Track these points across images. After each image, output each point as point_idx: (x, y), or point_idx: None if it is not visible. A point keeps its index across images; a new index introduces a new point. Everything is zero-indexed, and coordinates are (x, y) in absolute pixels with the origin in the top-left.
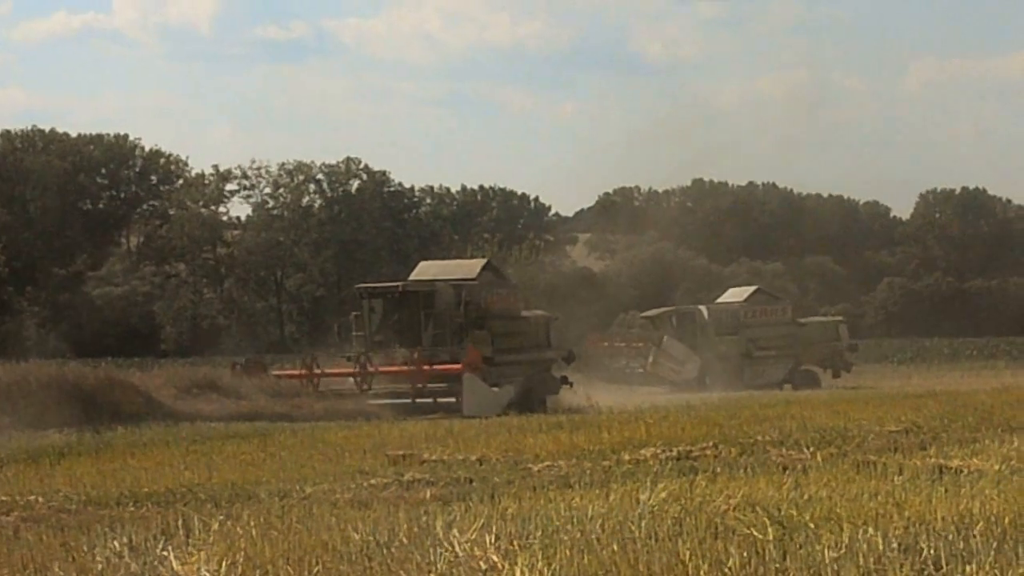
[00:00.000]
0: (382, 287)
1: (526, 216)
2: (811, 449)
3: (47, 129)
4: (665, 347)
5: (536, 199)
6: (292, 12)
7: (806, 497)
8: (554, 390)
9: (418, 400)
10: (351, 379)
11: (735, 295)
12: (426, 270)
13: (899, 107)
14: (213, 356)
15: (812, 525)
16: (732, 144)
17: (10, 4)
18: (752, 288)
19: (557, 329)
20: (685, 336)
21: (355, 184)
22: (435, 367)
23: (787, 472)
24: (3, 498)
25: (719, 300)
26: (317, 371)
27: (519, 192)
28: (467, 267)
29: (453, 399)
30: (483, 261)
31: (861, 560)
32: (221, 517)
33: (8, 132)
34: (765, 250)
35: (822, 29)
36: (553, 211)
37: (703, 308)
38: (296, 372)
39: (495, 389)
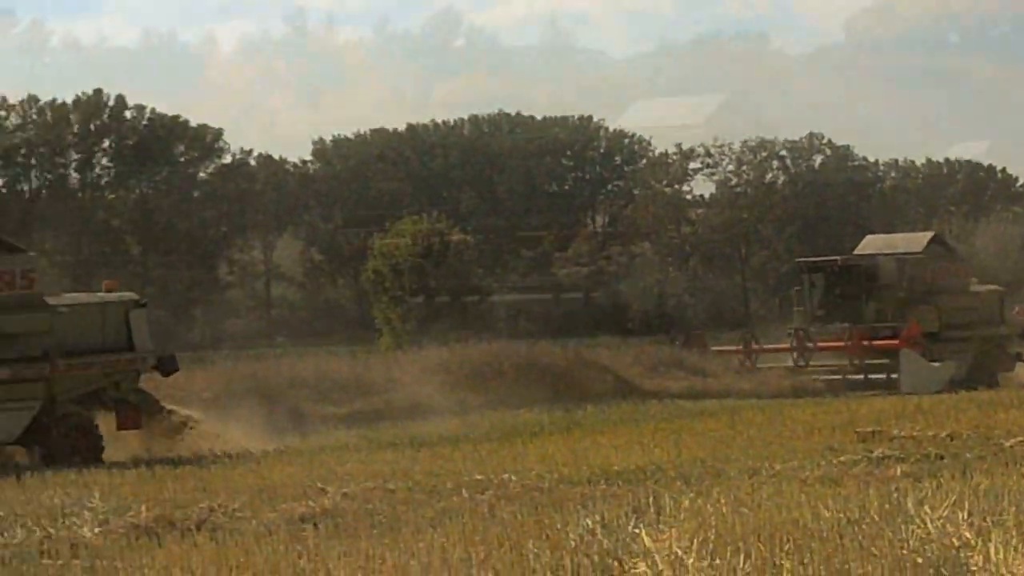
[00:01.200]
0: (822, 261)
1: (993, 188)
2: None
3: (513, 112)
4: None
5: (1003, 170)
6: None
7: None
8: (1007, 367)
9: (857, 376)
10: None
11: None
12: (871, 244)
13: None
14: (679, 334)
15: None
16: None
17: None
18: None
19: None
20: None
21: (818, 160)
22: (873, 342)
23: None
24: (478, 477)
25: None
26: (755, 347)
27: (985, 164)
28: (913, 240)
29: (894, 375)
30: (930, 234)
31: None
32: (691, 494)
33: (476, 117)
34: None
35: None
36: (1021, 182)
37: None
38: (734, 348)
39: (935, 365)
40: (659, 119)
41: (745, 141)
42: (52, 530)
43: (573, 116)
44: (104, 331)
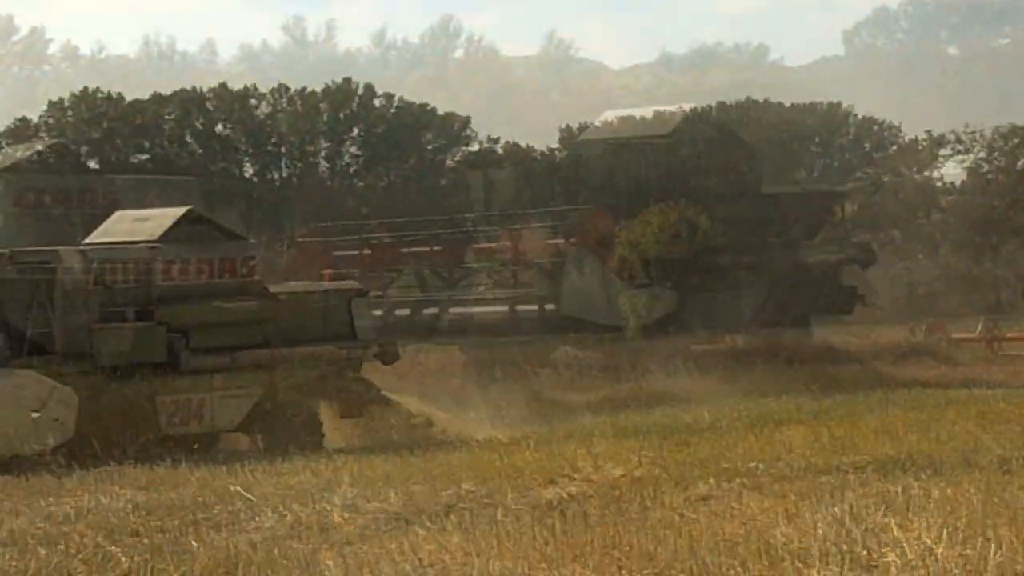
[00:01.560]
0: None
1: None
2: None
3: (761, 99)
4: None
5: None
6: None
7: None
8: None
9: None
10: None
11: None
12: None
13: None
14: (924, 322)
15: None
16: None
17: None
18: None
19: None
20: None
21: None
22: None
23: None
24: (725, 465)
25: None
26: (998, 335)
27: None
28: None
29: None
30: None
31: None
32: (941, 484)
33: (724, 104)
34: None
35: None
36: None
37: None
38: (976, 336)
39: None
40: (630, 130)
41: (997, 127)
42: (302, 514)
43: (822, 103)
44: (325, 320)
